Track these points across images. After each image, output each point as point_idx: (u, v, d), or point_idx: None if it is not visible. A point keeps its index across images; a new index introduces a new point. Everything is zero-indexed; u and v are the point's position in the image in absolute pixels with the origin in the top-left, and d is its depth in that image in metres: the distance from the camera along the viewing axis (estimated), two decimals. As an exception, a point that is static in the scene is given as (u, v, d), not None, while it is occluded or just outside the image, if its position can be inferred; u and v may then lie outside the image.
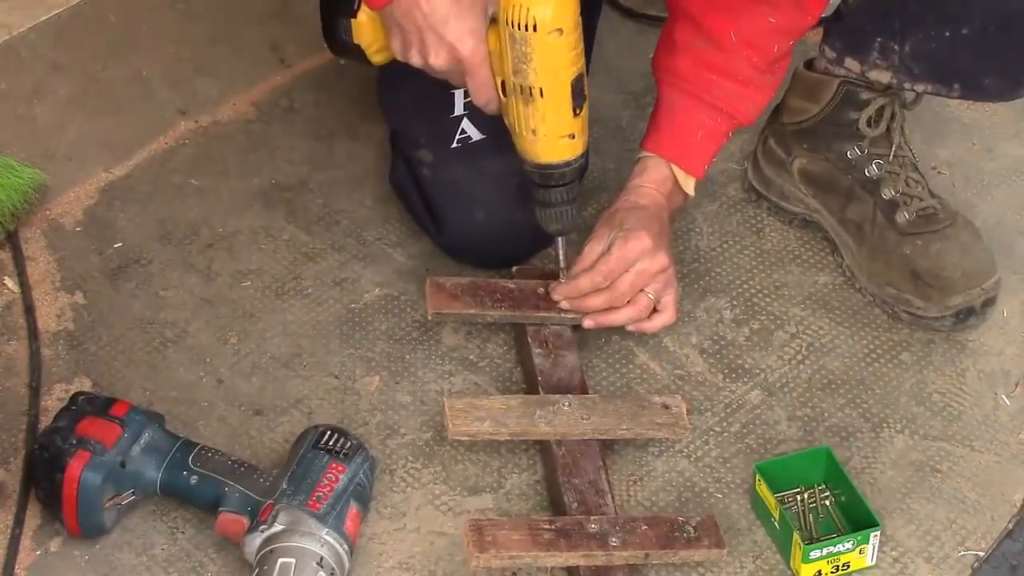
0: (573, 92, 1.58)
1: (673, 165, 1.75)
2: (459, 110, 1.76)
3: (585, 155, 1.64)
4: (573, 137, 1.61)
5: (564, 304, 1.72)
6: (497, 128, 1.66)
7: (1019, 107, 1.90)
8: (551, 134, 1.60)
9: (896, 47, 1.73)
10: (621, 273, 1.69)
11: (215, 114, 2.03)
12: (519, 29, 1.54)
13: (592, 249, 1.71)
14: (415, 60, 1.60)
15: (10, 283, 1.80)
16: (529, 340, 1.71)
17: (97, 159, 1.94)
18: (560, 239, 1.70)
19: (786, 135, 1.88)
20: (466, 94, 1.71)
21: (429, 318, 1.73)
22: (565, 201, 1.66)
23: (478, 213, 1.77)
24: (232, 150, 1.99)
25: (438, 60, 1.58)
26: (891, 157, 1.81)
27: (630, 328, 1.73)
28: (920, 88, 1.76)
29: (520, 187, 1.74)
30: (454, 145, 1.77)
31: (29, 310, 1.76)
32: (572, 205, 1.67)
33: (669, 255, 1.71)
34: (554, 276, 1.76)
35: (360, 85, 2.05)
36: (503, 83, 1.59)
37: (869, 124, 1.81)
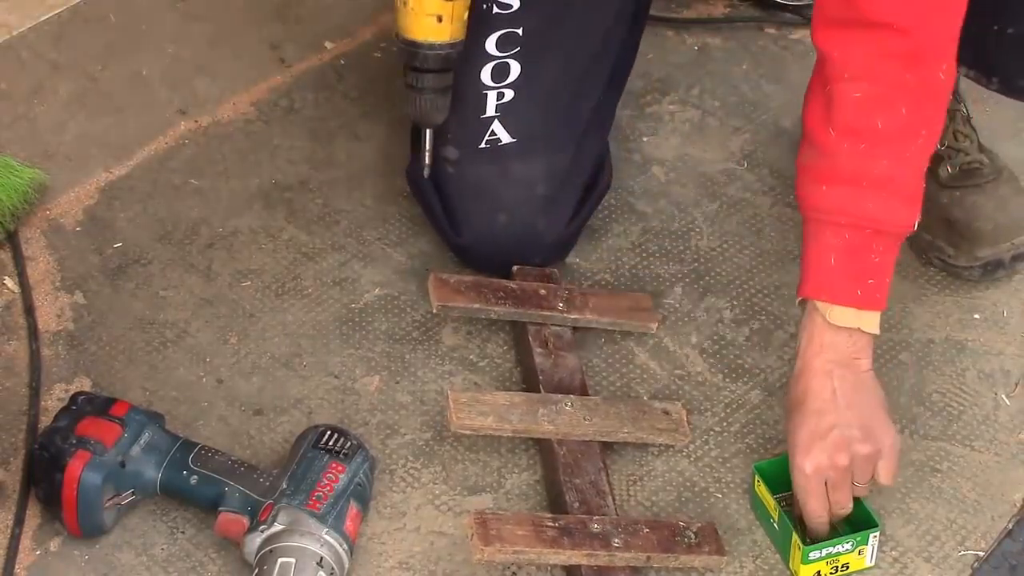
0: None
1: (819, 303, 1.52)
2: (491, 111, 1.74)
3: (453, 49, 1.65)
4: (440, 20, 1.63)
5: None
6: (527, 133, 1.65)
7: (1019, 107, 1.89)
8: (418, 9, 1.62)
9: None
10: (825, 507, 1.54)
11: (215, 114, 2.02)
12: None
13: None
14: None
15: (10, 283, 1.80)
16: (530, 340, 1.71)
17: (97, 159, 1.94)
18: (427, 131, 1.72)
19: None
20: (499, 96, 1.71)
21: (434, 311, 1.72)
22: (428, 89, 1.67)
23: (500, 216, 1.75)
24: (232, 150, 1.99)
25: None
26: None
27: None
28: (962, 71, 1.76)
29: (545, 195, 1.74)
30: (482, 145, 1.75)
31: (29, 310, 1.76)
32: (436, 96, 1.68)
33: (845, 442, 1.51)
34: (554, 280, 1.76)
35: (360, 85, 2.06)
36: None
37: None
